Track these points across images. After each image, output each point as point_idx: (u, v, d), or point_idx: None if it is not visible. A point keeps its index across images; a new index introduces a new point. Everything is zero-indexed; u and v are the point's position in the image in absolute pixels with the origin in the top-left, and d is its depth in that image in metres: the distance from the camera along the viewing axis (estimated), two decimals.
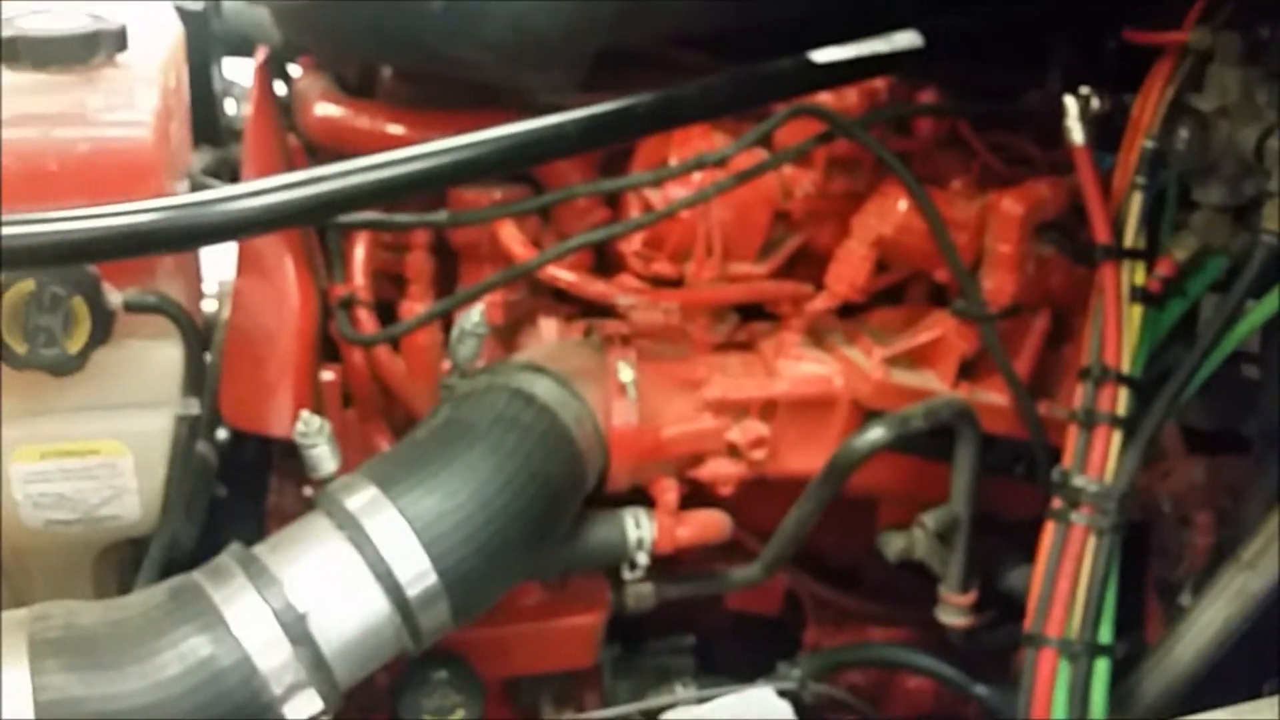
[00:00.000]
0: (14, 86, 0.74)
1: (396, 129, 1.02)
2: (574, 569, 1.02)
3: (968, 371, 1.01)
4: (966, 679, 1.05)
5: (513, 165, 0.88)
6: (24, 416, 0.77)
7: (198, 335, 0.79)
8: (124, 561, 0.91)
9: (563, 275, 0.98)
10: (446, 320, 1.06)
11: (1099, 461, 0.88)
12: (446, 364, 1.08)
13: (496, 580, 0.88)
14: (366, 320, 1.04)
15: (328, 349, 1.06)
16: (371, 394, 1.06)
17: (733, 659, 1.15)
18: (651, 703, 1.05)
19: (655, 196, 0.98)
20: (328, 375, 1.05)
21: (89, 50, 0.74)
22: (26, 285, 0.72)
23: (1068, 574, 0.87)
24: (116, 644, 0.75)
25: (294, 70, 1.13)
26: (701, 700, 0.99)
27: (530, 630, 1.04)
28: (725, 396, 0.99)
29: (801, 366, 0.99)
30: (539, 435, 0.90)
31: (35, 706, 0.71)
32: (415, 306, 1.07)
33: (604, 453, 0.96)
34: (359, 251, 1.06)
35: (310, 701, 0.75)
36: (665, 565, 1.05)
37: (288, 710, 0.75)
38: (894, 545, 1.04)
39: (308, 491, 1.12)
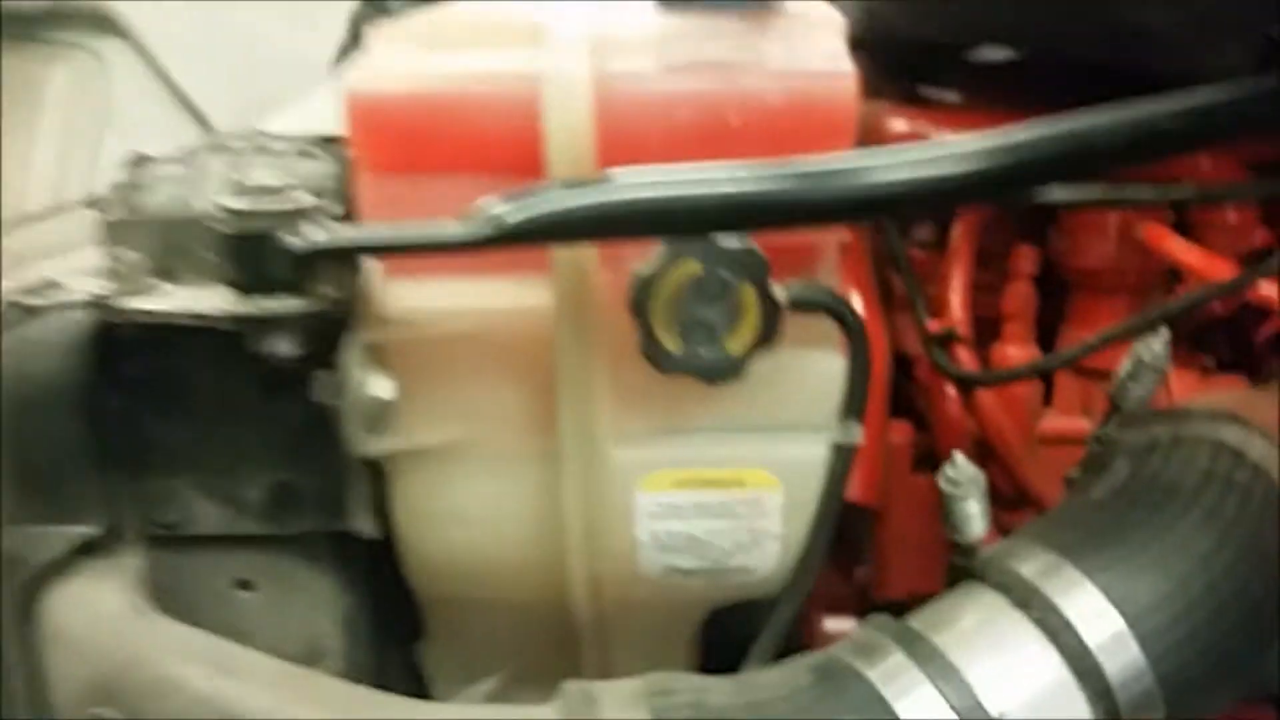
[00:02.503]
0: (678, 31, 0.61)
1: None
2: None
3: None
4: None
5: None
6: (657, 434, 0.63)
7: (866, 343, 0.62)
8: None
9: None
10: (1045, 374, 0.88)
11: None
12: (1048, 422, 0.89)
13: (1219, 691, 0.66)
14: (968, 363, 0.87)
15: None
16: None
17: None
18: None
19: None
20: (896, 437, 0.89)
21: None
22: (690, 268, 0.58)
23: None
24: None
25: None
26: None
27: None
28: None
29: None
30: (1261, 502, 0.68)
31: None
32: (1012, 351, 0.89)
33: None
34: (957, 279, 0.89)
35: None
36: None
37: None
38: None
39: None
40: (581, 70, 0.58)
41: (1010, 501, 0.92)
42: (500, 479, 0.63)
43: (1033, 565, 0.65)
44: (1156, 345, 0.72)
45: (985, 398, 0.88)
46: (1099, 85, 0.75)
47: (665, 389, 0.61)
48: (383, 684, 0.70)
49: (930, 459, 0.91)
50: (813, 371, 0.63)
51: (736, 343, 0.60)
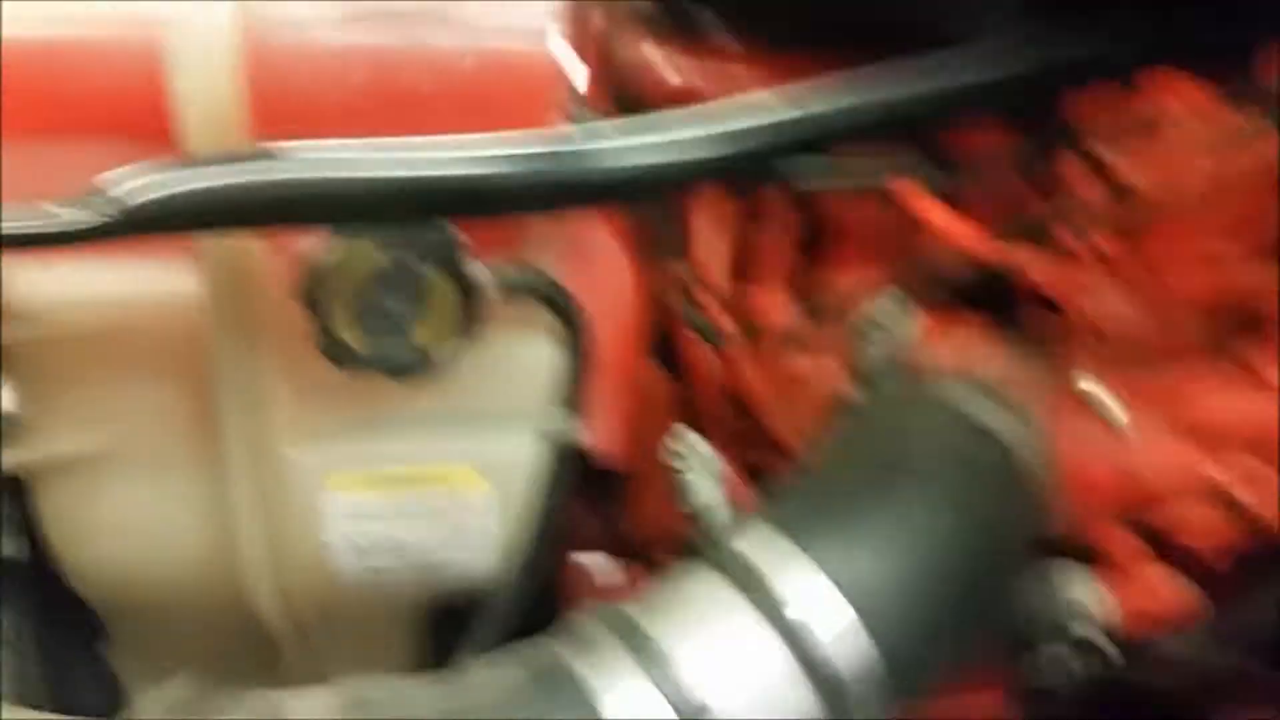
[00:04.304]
0: None
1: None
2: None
3: None
4: None
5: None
6: (348, 430, 0.56)
7: (583, 330, 0.57)
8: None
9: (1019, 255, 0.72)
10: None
11: None
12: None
13: (938, 672, 0.65)
14: (717, 313, 0.82)
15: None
16: (721, 415, 0.84)
17: None
18: None
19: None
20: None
21: None
22: (369, 256, 0.52)
23: None
24: None
25: None
26: None
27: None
28: (1210, 420, 0.73)
29: None
30: (1002, 486, 0.66)
31: None
32: (771, 300, 0.85)
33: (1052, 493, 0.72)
34: (703, 221, 0.84)
35: None
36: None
37: None
38: None
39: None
40: (222, 11, 0.49)
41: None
42: (158, 488, 0.55)
43: (757, 546, 0.62)
44: (890, 303, 0.69)
45: (742, 356, 0.83)
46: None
47: (349, 382, 0.55)
48: (66, 693, 0.63)
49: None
50: (522, 360, 0.57)
51: (428, 334, 0.53)
